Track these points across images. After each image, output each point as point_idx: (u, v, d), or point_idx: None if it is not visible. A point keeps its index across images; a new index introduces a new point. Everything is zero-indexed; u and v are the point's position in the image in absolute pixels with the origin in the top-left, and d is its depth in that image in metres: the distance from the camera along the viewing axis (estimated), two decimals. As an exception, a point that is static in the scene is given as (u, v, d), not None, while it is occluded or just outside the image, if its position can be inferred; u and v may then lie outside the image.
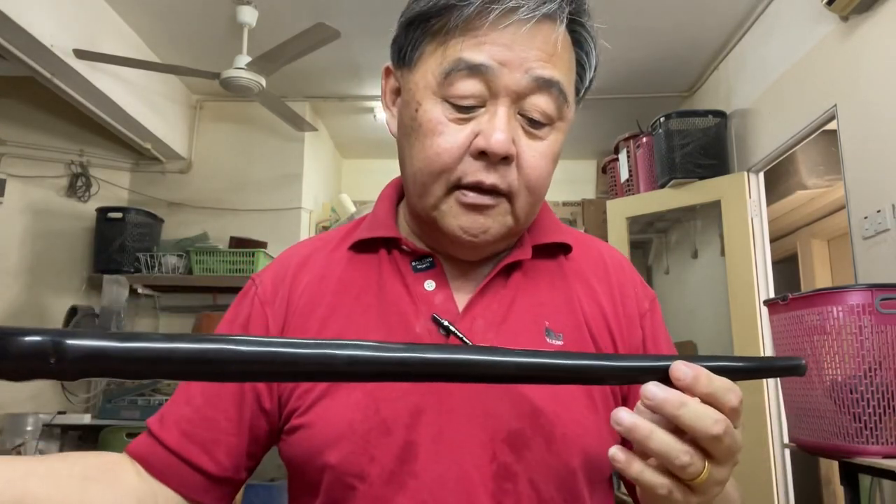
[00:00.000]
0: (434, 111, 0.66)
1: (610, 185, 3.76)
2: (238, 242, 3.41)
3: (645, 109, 3.55)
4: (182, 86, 3.60)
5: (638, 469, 0.48)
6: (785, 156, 2.83)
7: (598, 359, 0.49)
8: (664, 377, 0.48)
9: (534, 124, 0.66)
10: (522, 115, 0.66)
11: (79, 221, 3.39)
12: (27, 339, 0.39)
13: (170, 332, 3.42)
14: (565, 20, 0.66)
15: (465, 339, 0.67)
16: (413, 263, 0.73)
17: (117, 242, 3.25)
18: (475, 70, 0.64)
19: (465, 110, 0.65)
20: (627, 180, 3.47)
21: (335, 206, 3.82)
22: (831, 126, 2.37)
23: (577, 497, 0.66)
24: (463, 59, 0.64)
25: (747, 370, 0.51)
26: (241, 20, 2.84)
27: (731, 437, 0.47)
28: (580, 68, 0.71)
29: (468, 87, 0.64)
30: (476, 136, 0.64)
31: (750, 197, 2.89)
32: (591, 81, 0.73)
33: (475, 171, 0.65)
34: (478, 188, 0.66)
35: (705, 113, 3.07)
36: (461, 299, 0.72)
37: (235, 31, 2.93)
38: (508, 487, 0.64)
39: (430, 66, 0.66)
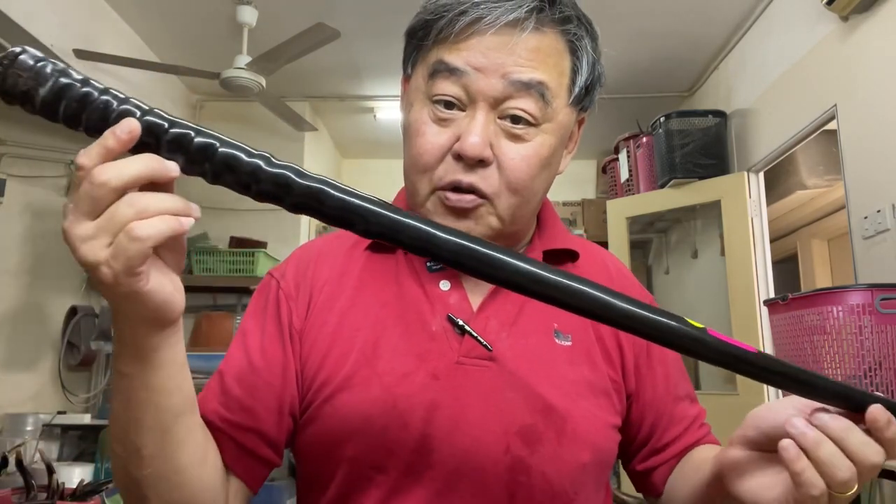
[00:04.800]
0: (422, 112, 0.71)
1: (610, 185, 3.76)
2: (238, 242, 3.41)
3: (645, 109, 3.55)
4: (182, 86, 3.60)
5: (804, 465, 0.51)
6: (785, 156, 2.83)
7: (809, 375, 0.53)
8: (848, 407, 0.52)
9: (516, 126, 0.69)
10: (504, 119, 0.69)
11: (79, 221, 3.38)
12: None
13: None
14: (554, 28, 0.70)
15: (480, 339, 0.70)
16: (428, 264, 0.76)
17: (117, 242, 3.25)
18: (454, 72, 0.69)
19: (447, 111, 0.70)
20: (627, 180, 3.47)
21: (335, 206, 3.82)
22: (831, 126, 2.38)
23: (585, 490, 0.70)
24: (443, 61, 0.70)
25: None
26: (241, 20, 2.84)
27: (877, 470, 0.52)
28: (575, 75, 0.73)
29: (448, 87, 0.69)
30: (457, 139, 0.69)
31: (750, 197, 2.89)
32: (589, 88, 0.74)
33: (454, 172, 0.69)
34: (456, 188, 0.69)
35: (705, 113, 3.08)
36: (474, 299, 0.74)
37: (235, 31, 2.93)
38: (522, 480, 0.66)
39: (420, 72, 0.73)
